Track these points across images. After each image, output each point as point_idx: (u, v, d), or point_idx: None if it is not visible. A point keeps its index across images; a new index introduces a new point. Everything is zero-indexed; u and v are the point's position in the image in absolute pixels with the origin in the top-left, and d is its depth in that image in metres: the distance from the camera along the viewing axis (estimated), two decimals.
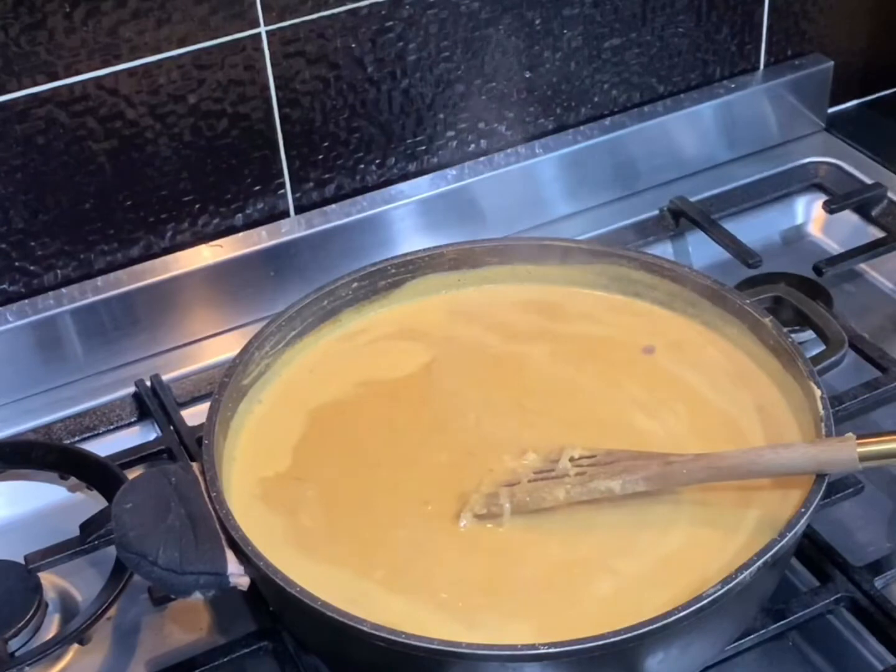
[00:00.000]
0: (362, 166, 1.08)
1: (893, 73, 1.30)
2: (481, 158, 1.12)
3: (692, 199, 1.14)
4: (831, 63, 1.22)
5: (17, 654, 0.81)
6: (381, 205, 1.07)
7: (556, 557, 0.77)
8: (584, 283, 0.94)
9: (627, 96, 1.17)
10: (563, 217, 1.15)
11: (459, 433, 0.85)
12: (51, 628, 0.84)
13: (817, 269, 1.05)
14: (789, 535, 0.71)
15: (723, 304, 0.89)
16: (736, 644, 0.77)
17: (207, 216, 1.04)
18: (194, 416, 0.94)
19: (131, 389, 0.99)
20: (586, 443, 0.80)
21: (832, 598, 0.80)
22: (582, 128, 1.15)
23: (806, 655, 0.81)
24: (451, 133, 1.10)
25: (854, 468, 0.74)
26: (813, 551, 0.82)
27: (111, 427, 0.98)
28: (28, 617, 0.82)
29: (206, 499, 0.76)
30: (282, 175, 1.05)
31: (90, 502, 0.90)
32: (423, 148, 1.10)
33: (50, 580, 0.87)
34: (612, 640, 0.67)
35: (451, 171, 1.10)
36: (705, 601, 0.68)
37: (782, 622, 0.78)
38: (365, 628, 0.68)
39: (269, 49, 0.99)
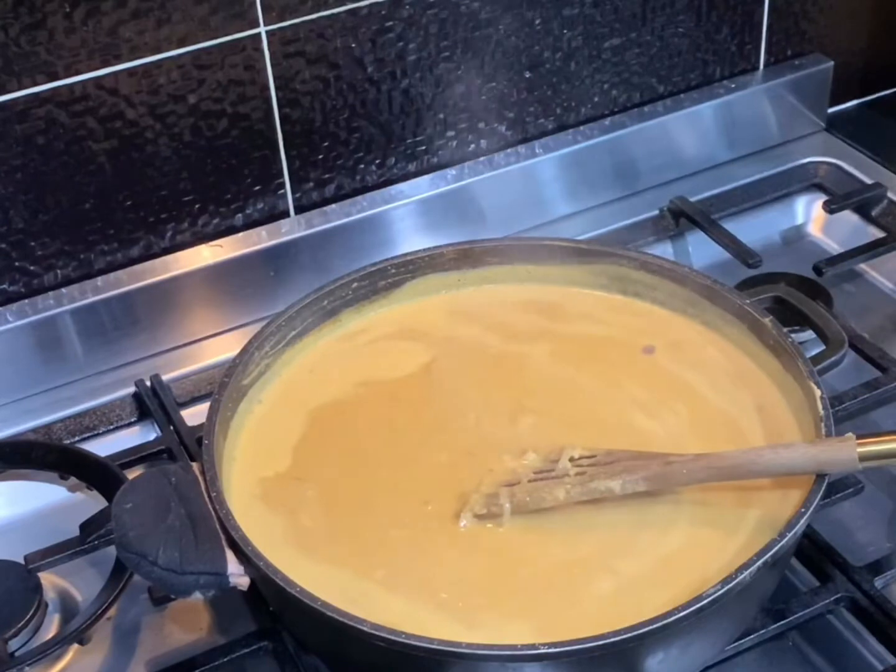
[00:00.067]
0: (362, 166, 1.08)
1: (893, 73, 1.30)
2: (481, 158, 1.12)
3: (692, 199, 1.14)
4: (831, 63, 1.22)
5: (17, 654, 0.81)
6: (381, 205, 1.07)
7: (556, 557, 0.77)
8: (584, 283, 0.94)
9: (627, 96, 1.17)
10: (563, 217, 1.15)
11: (459, 433, 0.85)
12: (51, 628, 0.84)
13: (817, 269, 1.05)
14: (789, 535, 0.71)
15: (723, 304, 0.89)
16: (736, 644, 0.77)
17: (207, 216, 1.04)
18: (194, 416, 0.94)
19: (131, 389, 0.99)
20: (586, 443, 0.80)
21: (832, 598, 0.80)
22: (582, 128, 1.15)
23: (806, 655, 0.81)
24: (451, 133, 1.10)
25: (854, 468, 0.74)
26: (813, 551, 0.82)
27: (111, 427, 0.98)
28: (28, 617, 0.82)
29: (206, 499, 0.76)
30: (282, 175, 1.05)
31: (90, 502, 0.90)
32: (423, 148, 1.10)
33: (50, 580, 0.87)
34: (612, 640, 0.67)
35: (451, 171, 1.10)
36: (705, 601, 0.68)
37: (782, 622, 0.78)
38: (365, 628, 0.68)
39: (269, 49, 0.99)
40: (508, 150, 1.13)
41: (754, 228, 1.14)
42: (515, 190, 1.12)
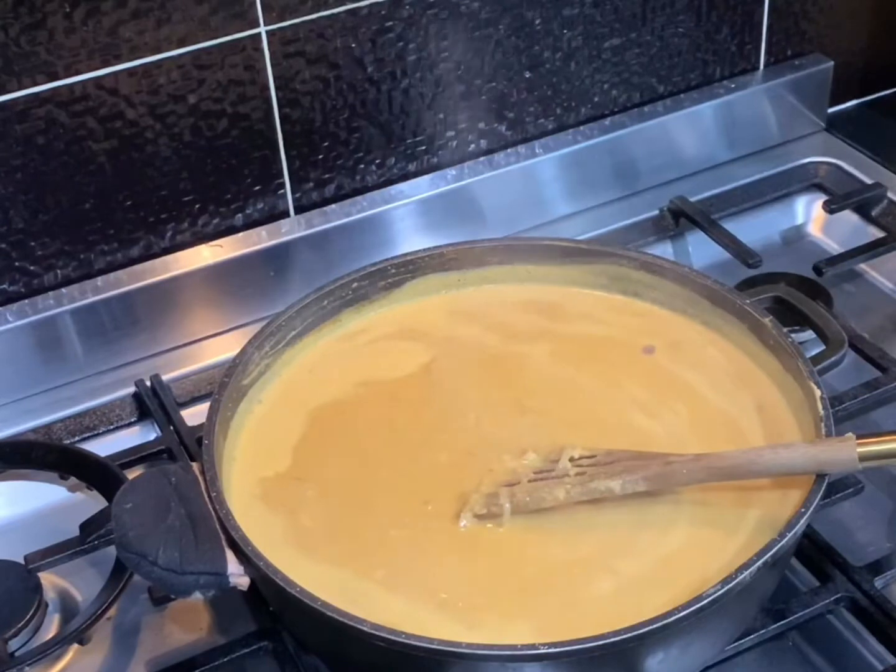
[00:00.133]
0: (362, 166, 1.08)
1: (893, 73, 1.30)
2: (481, 158, 1.12)
3: (692, 199, 1.14)
4: (831, 63, 1.22)
5: (17, 654, 0.81)
6: (381, 205, 1.07)
7: (556, 557, 0.77)
8: (584, 283, 0.94)
9: (627, 96, 1.17)
10: (563, 217, 1.15)
11: (459, 433, 0.85)
12: (51, 628, 0.84)
13: (817, 269, 1.05)
14: (789, 535, 0.71)
15: (723, 304, 0.89)
16: (736, 644, 0.77)
17: (207, 216, 1.04)
18: (194, 416, 0.94)
19: (131, 389, 0.99)
20: (586, 443, 0.80)
21: (832, 598, 0.80)
22: (582, 128, 1.15)
23: (806, 655, 0.81)
24: (451, 133, 1.10)
25: (854, 468, 0.74)
26: (813, 551, 0.82)
27: (111, 427, 0.98)
28: (28, 617, 0.82)
29: (206, 499, 0.76)
30: (282, 175, 1.05)
31: (90, 502, 0.90)
32: (423, 148, 1.10)
33: (50, 580, 0.87)
34: (612, 640, 0.67)
35: (451, 171, 1.10)
36: (705, 601, 0.68)
37: (782, 622, 0.78)
38: (365, 628, 0.68)
39: (269, 49, 0.99)
40: (508, 150, 1.13)
41: (754, 228, 1.14)
42: (515, 190, 1.12)
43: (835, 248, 1.14)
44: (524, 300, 0.95)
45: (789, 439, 0.81)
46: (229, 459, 0.83)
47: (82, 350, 1.01)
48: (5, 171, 0.95)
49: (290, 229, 1.05)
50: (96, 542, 0.85)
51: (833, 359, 0.87)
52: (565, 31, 1.10)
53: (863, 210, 1.14)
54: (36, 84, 0.92)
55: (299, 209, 1.07)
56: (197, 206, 1.03)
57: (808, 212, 1.17)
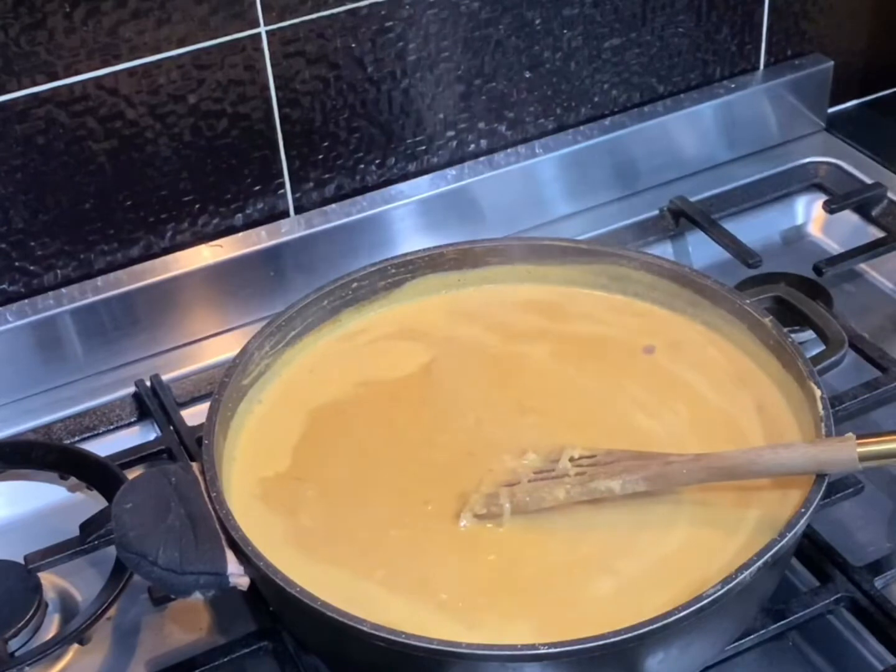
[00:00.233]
0: (362, 166, 1.08)
1: (893, 73, 1.30)
2: (481, 158, 1.12)
3: (692, 199, 1.14)
4: (831, 63, 1.22)
5: (17, 654, 0.81)
6: (381, 205, 1.07)
7: (556, 557, 0.77)
8: (584, 283, 0.94)
9: (627, 96, 1.17)
10: (563, 217, 1.15)
11: (459, 433, 0.85)
12: (51, 628, 0.84)
13: (817, 269, 1.05)
14: (789, 535, 0.71)
15: (723, 304, 0.89)
16: (736, 644, 0.77)
17: (207, 216, 1.04)
18: (194, 416, 0.94)
19: (131, 389, 0.99)
20: (586, 443, 0.80)
21: (832, 598, 0.80)
22: (582, 128, 1.15)
23: (806, 655, 0.81)
24: (451, 133, 1.10)
25: (854, 468, 0.74)
26: (813, 551, 0.82)
27: (111, 427, 0.98)
28: (28, 617, 0.82)
29: (206, 499, 0.76)
30: (282, 175, 1.05)
31: (90, 502, 0.90)
32: (423, 148, 1.10)
33: (50, 580, 0.87)
34: (612, 640, 0.67)
35: (451, 171, 1.10)
36: (705, 601, 0.68)
37: (782, 622, 0.78)
38: (365, 628, 0.68)
39: (269, 49, 0.99)
40: (508, 150, 1.13)
41: (754, 228, 1.14)
42: (515, 190, 1.12)
43: (835, 248, 1.14)
44: (524, 300, 0.95)
45: (789, 439, 0.81)
46: (229, 459, 0.83)
47: (82, 350, 1.01)
48: (5, 171, 0.95)
49: (290, 229, 1.05)
50: (96, 542, 0.85)
51: (833, 359, 0.87)
52: (565, 31, 1.10)
53: (863, 210, 1.14)
54: (36, 84, 0.92)
55: (299, 209, 1.07)
56: (197, 206, 1.03)
57: (808, 212, 1.17)
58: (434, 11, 1.04)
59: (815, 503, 0.73)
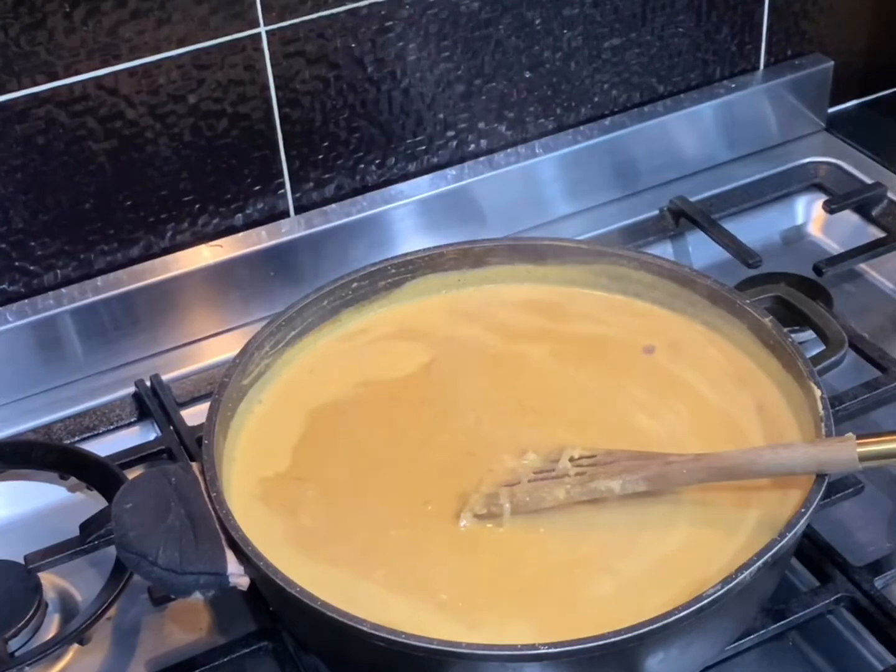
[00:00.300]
0: (362, 166, 1.08)
1: (893, 73, 1.30)
2: (481, 158, 1.12)
3: (692, 199, 1.14)
4: (831, 63, 1.22)
5: (17, 654, 0.81)
6: (381, 205, 1.07)
7: (556, 557, 0.77)
8: (584, 283, 0.94)
9: (627, 96, 1.17)
10: (563, 217, 1.15)
11: (459, 433, 0.85)
12: (51, 628, 0.84)
13: (817, 269, 1.05)
14: (789, 535, 0.71)
15: (723, 304, 0.89)
16: (736, 644, 0.77)
17: (207, 216, 1.04)
18: (194, 416, 0.94)
19: (131, 389, 0.99)
20: (586, 443, 0.80)
21: (832, 598, 0.80)
22: (582, 128, 1.15)
23: (806, 655, 0.81)
24: (451, 133, 1.10)
25: (854, 468, 0.74)
26: (813, 551, 0.82)
27: (111, 427, 0.98)
28: (28, 617, 0.82)
29: (206, 499, 0.76)
30: (282, 175, 1.05)
31: (90, 502, 0.90)
32: (423, 148, 1.10)
33: (50, 580, 0.87)
34: (612, 640, 0.67)
35: (451, 171, 1.10)
36: (705, 601, 0.68)
37: (782, 622, 0.78)
38: (365, 628, 0.68)
39: (269, 49, 0.99)
40: (508, 150, 1.13)
41: (754, 228, 1.14)
42: (515, 190, 1.12)
43: (835, 248, 1.14)
44: (524, 300, 0.95)
45: (789, 439, 0.81)
46: (229, 459, 0.83)
47: (82, 350, 1.01)
48: (5, 171, 0.95)
49: (290, 229, 1.05)
50: (96, 542, 0.85)
51: (833, 359, 0.87)
52: (565, 31, 1.10)
53: (863, 210, 1.14)
54: (36, 84, 0.92)
55: (299, 209, 1.07)
56: (197, 206, 1.03)
57: (808, 212, 1.17)
58: (434, 11, 1.04)
59: (815, 503, 0.73)
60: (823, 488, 0.74)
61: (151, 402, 0.97)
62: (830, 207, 1.12)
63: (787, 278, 1.04)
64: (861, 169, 1.18)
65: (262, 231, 1.05)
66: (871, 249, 1.08)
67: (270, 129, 1.02)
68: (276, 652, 0.79)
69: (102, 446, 0.94)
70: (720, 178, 1.18)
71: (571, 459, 0.79)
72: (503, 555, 0.77)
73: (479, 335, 0.93)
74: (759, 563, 0.70)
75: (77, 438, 0.96)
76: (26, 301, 0.99)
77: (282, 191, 1.06)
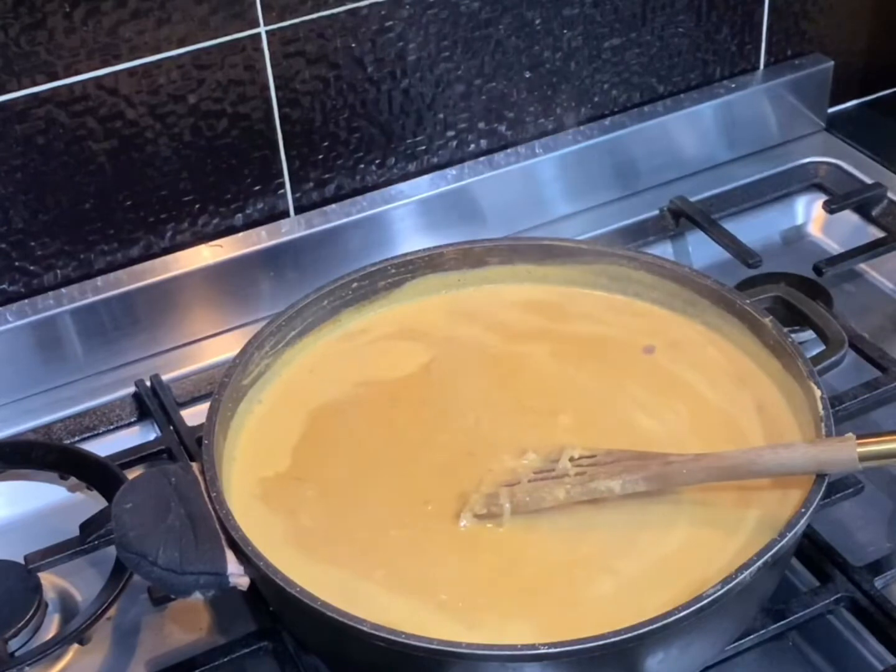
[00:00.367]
0: (362, 166, 1.08)
1: (893, 73, 1.30)
2: (481, 158, 1.12)
3: (692, 199, 1.14)
4: (831, 63, 1.22)
5: (17, 654, 0.81)
6: (381, 205, 1.07)
7: (556, 557, 0.77)
8: (584, 283, 0.94)
9: (627, 96, 1.17)
10: (563, 217, 1.15)
11: (459, 433, 0.85)
12: (51, 628, 0.84)
13: (817, 269, 1.05)
14: (789, 535, 0.71)
15: (723, 304, 0.89)
16: (736, 644, 0.77)
17: (207, 216, 1.04)
18: (194, 416, 0.94)
19: (131, 389, 0.99)
20: (586, 443, 0.80)
21: (832, 598, 0.80)
22: (582, 128, 1.15)
23: (806, 655, 0.81)
24: (451, 133, 1.10)
25: (854, 468, 0.74)
26: (813, 551, 0.82)
27: (111, 427, 0.98)
28: (28, 617, 0.82)
29: (206, 499, 0.76)
30: (282, 175, 1.05)
31: (90, 502, 0.90)
32: (423, 148, 1.10)
33: (50, 580, 0.87)
34: (613, 640, 0.67)
35: (451, 171, 1.10)
36: (705, 601, 0.68)
37: (782, 622, 0.78)
38: (365, 628, 0.68)
39: (269, 49, 0.99)
40: (508, 150, 1.13)
41: (754, 228, 1.14)
42: (515, 190, 1.12)
43: (835, 248, 1.14)
44: (524, 300, 0.95)
45: (789, 439, 0.81)
46: (229, 459, 0.83)
47: (82, 350, 1.01)
48: (5, 171, 0.95)
49: (290, 229, 1.05)
50: (96, 542, 0.85)
51: (833, 359, 0.87)
52: (565, 31, 1.10)
53: (863, 210, 1.14)
54: (36, 84, 0.92)
55: (299, 209, 1.07)
56: (197, 206, 1.03)
57: (808, 212, 1.17)
58: (434, 11, 1.04)
59: (815, 503, 0.73)
60: (823, 488, 0.74)
61: (151, 402, 0.97)
62: (830, 207, 1.12)
63: (787, 278, 1.04)
64: (861, 169, 1.18)
65: (262, 231, 1.05)
66: (871, 249, 1.08)
67: (270, 129, 1.02)
68: (276, 652, 0.79)
69: (102, 446, 0.94)
70: (720, 178, 1.18)
71: (571, 459, 0.79)
72: (503, 555, 0.77)
73: (479, 335, 0.93)
74: (759, 563, 0.70)
75: (77, 438, 0.96)
76: (26, 301, 0.99)
77: (282, 191, 1.06)
